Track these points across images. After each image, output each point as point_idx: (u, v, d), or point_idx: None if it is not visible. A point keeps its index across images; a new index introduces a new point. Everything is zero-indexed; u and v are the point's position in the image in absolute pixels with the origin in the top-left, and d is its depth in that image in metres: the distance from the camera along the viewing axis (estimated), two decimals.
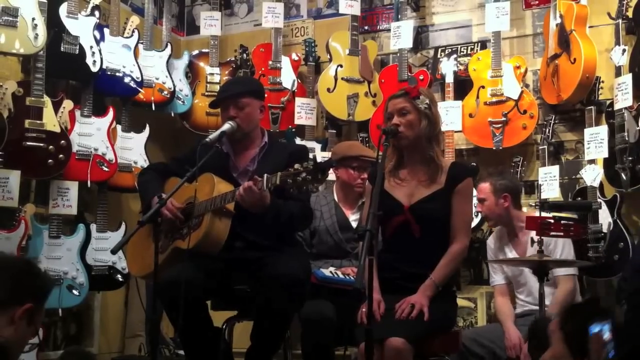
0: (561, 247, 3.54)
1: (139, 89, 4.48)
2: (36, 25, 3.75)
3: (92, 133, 4.16)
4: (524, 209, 4.22)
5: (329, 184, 4.12)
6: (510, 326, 3.43)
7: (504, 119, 4.30)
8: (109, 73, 4.31)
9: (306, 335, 3.24)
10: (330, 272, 3.38)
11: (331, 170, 3.61)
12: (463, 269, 4.38)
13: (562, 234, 3.02)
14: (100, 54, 4.20)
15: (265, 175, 2.80)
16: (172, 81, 4.71)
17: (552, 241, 3.46)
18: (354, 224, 3.66)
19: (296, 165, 2.68)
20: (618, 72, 3.98)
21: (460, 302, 3.90)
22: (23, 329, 1.85)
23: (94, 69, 4.15)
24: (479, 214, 4.09)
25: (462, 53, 4.72)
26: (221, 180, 3.06)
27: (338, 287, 3.29)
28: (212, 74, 4.93)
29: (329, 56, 4.83)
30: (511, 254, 3.63)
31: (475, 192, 3.63)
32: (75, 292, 4.02)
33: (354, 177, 3.68)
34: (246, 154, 3.22)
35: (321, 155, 4.52)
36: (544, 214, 3.36)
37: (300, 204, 3.08)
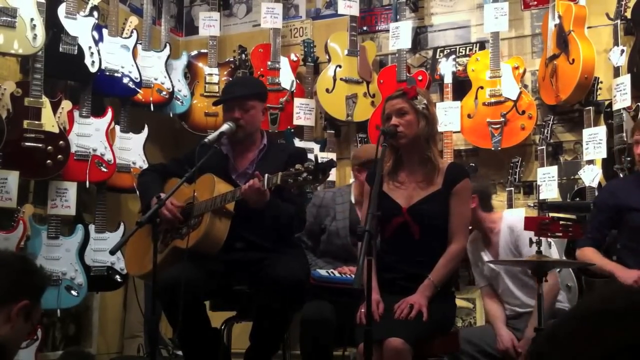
0: (554, 249, 3.46)
1: (138, 90, 4.48)
2: (35, 25, 3.75)
3: (90, 133, 4.16)
4: (522, 210, 4.23)
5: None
6: (501, 328, 3.34)
7: (502, 119, 4.31)
8: (107, 73, 4.32)
9: (305, 335, 3.24)
10: (327, 272, 3.38)
11: (332, 170, 3.59)
12: (462, 269, 4.37)
13: (560, 234, 3.01)
14: (99, 54, 4.20)
15: (267, 175, 2.81)
16: (171, 82, 4.71)
17: (520, 243, 3.35)
18: None
19: (297, 165, 2.71)
20: (616, 72, 3.99)
21: (459, 302, 3.89)
22: (20, 326, 1.85)
23: (93, 69, 4.15)
24: None
25: (460, 54, 4.73)
26: (221, 181, 3.07)
27: (336, 287, 3.29)
28: (210, 75, 4.93)
29: (327, 57, 4.83)
30: (486, 256, 3.50)
31: None
32: (73, 292, 4.02)
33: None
34: (246, 156, 3.23)
35: (320, 156, 4.52)
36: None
37: (295, 207, 3.09)
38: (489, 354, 3.33)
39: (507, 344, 3.26)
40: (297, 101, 4.79)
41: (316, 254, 3.58)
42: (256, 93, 3.28)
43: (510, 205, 4.28)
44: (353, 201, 3.65)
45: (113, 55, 4.36)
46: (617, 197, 3.37)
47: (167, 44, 4.81)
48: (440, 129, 3.89)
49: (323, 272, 3.35)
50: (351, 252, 3.56)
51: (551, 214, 3.75)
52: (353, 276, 3.30)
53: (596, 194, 3.93)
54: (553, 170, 4.16)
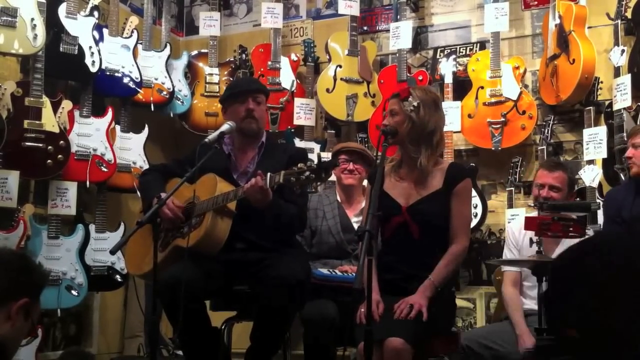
0: None
1: (138, 90, 4.48)
2: (35, 25, 3.75)
3: (91, 133, 4.16)
4: (522, 210, 4.23)
5: (330, 184, 4.13)
6: (522, 324, 3.20)
7: (502, 119, 4.31)
8: (108, 73, 4.32)
9: (308, 335, 3.24)
10: (329, 270, 3.39)
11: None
12: (462, 269, 4.38)
13: (561, 234, 3.00)
14: (100, 54, 4.20)
15: (269, 174, 2.81)
16: (171, 81, 4.71)
17: None
18: (356, 225, 3.66)
19: (300, 164, 2.71)
20: (617, 72, 3.99)
21: (459, 302, 3.89)
22: (20, 324, 1.84)
23: (93, 69, 4.15)
24: (477, 214, 4.09)
25: (461, 53, 4.73)
26: (222, 181, 3.07)
27: (338, 285, 3.30)
28: (211, 75, 4.93)
29: (328, 56, 4.83)
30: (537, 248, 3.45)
31: (543, 178, 3.46)
32: (74, 292, 4.02)
33: (340, 169, 3.71)
34: (246, 154, 3.23)
35: (321, 154, 4.52)
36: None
37: (297, 208, 3.09)
38: (500, 356, 3.26)
39: (529, 346, 3.06)
40: (298, 101, 4.79)
41: (311, 257, 3.60)
42: (266, 91, 3.37)
43: (510, 205, 4.28)
44: (339, 200, 3.77)
45: (113, 55, 4.36)
46: (620, 204, 3.34)
47: (168, 44, 4.81)
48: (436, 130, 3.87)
49: (325, 270, 3.37)
50: (345, 248, 3.60)
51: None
52: (355, 274, 3.32)
53: (597, 195, 3.93)
54: None
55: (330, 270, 3.40)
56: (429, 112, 2.83)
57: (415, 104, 2.81)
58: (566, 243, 3.33)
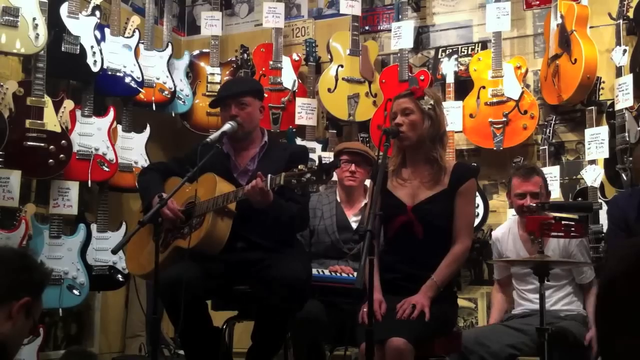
0: (586, 255, 3.42)
1: (140, 89, 4.48)
2: (37, 25, 3.76)
3: (92, 133, 4.17)
4: None
5: (331, 184, 4.13)
6: (493, 319, 3.54)
7: (504, 119, 4.31)
8: (109, 73, 4.32)
9: (298, 334, 3.24)
10: (317, 270, 3.38)
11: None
12: (464, 269, 4.38)
13: (562, 234, 3.00)
14: (101, 53, 4.21)
15: (270, 175, 2.81)
16: (173, 81, 4.71)
17: (574, 248, 3.37)
18: (354, 225, 3.65)
19: (300, 166, 2.70)
20: (619, 72, 3.98)
21: (461, 302, 3.88)
22: (21, 323, 1.84)
23: (95, 68, 4.16)
24: (480, 213, 4.08)
25: (462, 53, 4.73)
26: (222, 180, 3.06)
27: (327, 285, 3.29)
28: (212, 74, 4.93)
29: (329, 56, 4.83)
30: (522, 253, 3.45)
31: (519, 186, 3.49)
32: (75, 292, 4.02)
33: (342, 170, 3.70)
34: (246, 153, 3.22)
35: (322, 156, 4.53)
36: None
37: (299, 207, 3.08)
38: (498, 356, 3.28)
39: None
40: (299, 101, 4.79)
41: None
42: (251, 90, 3.24)
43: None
44: (339, 200, 3.75)
45: (115, 54, 4.36)
46: (625, 212, 3.33)
47: (169, 44, 4.81)
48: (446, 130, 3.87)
49: (313, 271, 3.36)
50: (340, 248, 3.60)
51: (553, 214, 3.73)
52: (344, 275, 3.33)
53: (598, 195, 3.93)
54: (555, 170, 4.15)
55: (319, 270, 3.39)
56: (442, 112, 2.92)
57: (432, 102, 2.83)
58: (552, 243, 3.36)
